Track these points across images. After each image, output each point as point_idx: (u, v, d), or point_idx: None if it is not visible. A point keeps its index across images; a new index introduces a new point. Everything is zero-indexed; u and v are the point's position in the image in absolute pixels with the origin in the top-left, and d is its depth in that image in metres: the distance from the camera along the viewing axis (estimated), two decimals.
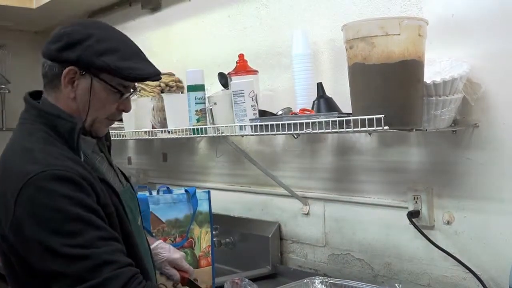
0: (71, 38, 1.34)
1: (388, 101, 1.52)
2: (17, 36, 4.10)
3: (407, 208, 1.86)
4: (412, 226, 1.82)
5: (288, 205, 2.34)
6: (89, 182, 1.28)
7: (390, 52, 1.50)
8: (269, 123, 1.85)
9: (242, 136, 2.16)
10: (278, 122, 1.81)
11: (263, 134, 1.92)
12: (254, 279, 1.91)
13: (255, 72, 2.15)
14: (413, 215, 1.82)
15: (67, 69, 1.34)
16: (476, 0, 1.68)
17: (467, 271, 1.72)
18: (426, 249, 1.83)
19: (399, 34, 1.49)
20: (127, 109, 1.45)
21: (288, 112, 2.06)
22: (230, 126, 2.07)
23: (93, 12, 3.60)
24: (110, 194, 1.36)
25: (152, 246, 1.63)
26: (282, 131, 1.80)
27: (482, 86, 1.66)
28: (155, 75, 1.40)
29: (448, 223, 1.79)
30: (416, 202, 1.84)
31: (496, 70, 1.64)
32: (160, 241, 1.71)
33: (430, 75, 1.60)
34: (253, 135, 2.02)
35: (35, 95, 1.47)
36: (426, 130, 1.64)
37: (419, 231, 1.80)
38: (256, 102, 2.04)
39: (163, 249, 1.67)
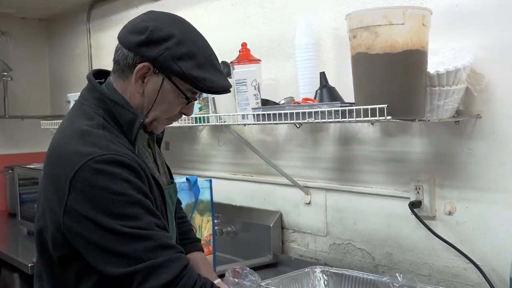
0: (153, 35, 1.31)
1: (391, 91, 1.52)
2: (19, 23, 4.10)
3: (409, 198, 1.86)
4: (413, 216, 1.82)
5: (290, 195, 2.34)
6: (144, 171, 1.29)
7: (393, 42, 1.49)
8: (271, 112, 1.85)
9: (244, 125, 2.16)
10: (280, 112, 1.81)
11: (266, 123, 1.92)
12: (255, 268, 1.92)
13: (257, 61, 2.15)
14: (414, 205, 1.82)
15: (141, 64, 1.33)
16: None
17: (468, 261, 1.72)
18: (428, 239, 1.83)
19: (403, 24, 1.48)
20: (189, 113, 1.45)
21: (291, 101, 2.06)
22: (232, 115, 2.07)
23: (96, 0, 3.59)
24: (156, 190, 1.36)
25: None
26: (285, 120, 1.80)
27: (485, 77, 1.65)
28: (225, 89, 1.39)
29: (450, 213, 1.79)
30: (418, 192, 1.84)
31: (499, 61, 1.63)
32: (218, 280, 1.58)
33: (434, 65, 1.60)
34: (255, 124, 2.02)
35: (98, 74, 1.45)
36: (429, 120, 1.64)
37: (421, 221, 1.80)
38: (259, 91, 2.04)
39: None
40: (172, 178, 1.62)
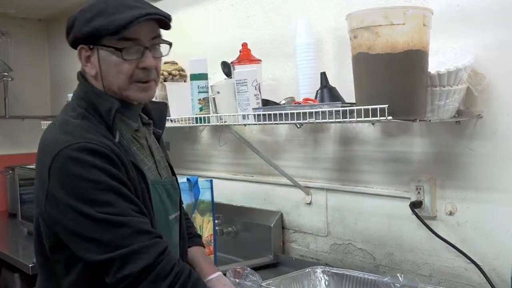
0: (69, 21, 1.41)
1: (392, 91, 1.51)
2: (20, 23, 4.10)
3: (409, 198, 1.86)
4: (414, 216, 1.82)
5: (290, 195, 2.34)
6: (119, 157, 1.30)
7: (394, 42, 1.49)
8: (272, 112, 1.84)
9: (245, 125, 2.16)
10: (281, 112, 1.81)
11: (266, 124, 1.92)
12: (256, 268, 1.92)
13: (258, 61, 2.15)
14: (415, 206, 1.82)
15: (78, 49, 1.41)
16: None
17: (469, 261, 1.72)
18: (428, 240, 1.83)
19: (403, 24, 1.48)
20: (146, 65, 1.37)
21: (291, 101, 2.06)
22: (233, 115, 2.07)
23: None
24: (139, 179, 1.37)
25: (208, 278, 1.58)
26: (285, 120, 1.80)
27: (486, 77, 1.65)
28: (138, 16, 1.32)
29: (451, 213, 1.78)
30: (419, 192, 1.84)
31: (500, 61, 1.63)
32: (219, 273, 1.61)
33: (435, 65, 1.60)
34: (256, 124, 2.02)
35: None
36: (430, 120, 1.64)
37: (422, 222, 1.80)
38: (259, 91, 2.04)
39: (222, 284, 1.58)
40: (174, 174, 1.60)
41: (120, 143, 1.36)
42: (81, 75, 1.45)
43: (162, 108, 1.63)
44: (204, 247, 1.74)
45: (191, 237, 1.69)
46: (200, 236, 1.77)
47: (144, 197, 1.37)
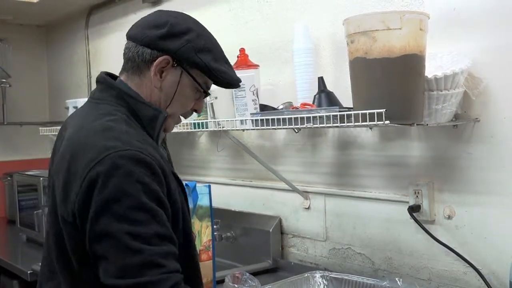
0: (174, 28, 1.32)
1: (389, 96, 1.52)
2: (18, 30, 4.11)
3: (408, 202, 1.86)
4: (413, 220, 1.82)
5: (289, 200, 2.34)
6: (164, 173, 1.24)
7: (391, 47, 1.49)
8: (270, 117, 1.85)
9: (243, 130, 2.16)
10: (279, 117, 1.81)
11: (264, 129, 1.92)
12: (254, 273, 1.92)
13: (256, 66, 2.15)
14: (414, 210, 1.82)
15: (162, 57, 1.32)
16: None
17: (467, 265, 1.72)
18: (427, 244, 1.83)
19: (400, 28, 1.49)
20: (199, 110, 1.43)
21: (289, 106, 2.06)
22: (231, 120, 2.07)
23: (94, 6, 3.60)
24: (179, 191, 1.32)
25: None
26: (283, 125, 1.80)
27: (483, 81, 1.66)
28: (238, 82, 1.42)
29: (449, 217, 1.79)
30: (417, 196, 1.84)
31: (497, 65, 1.64)
32: None
33: (432, 69, 1.60)
34: (254, 129, 2.02)
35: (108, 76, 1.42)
36: (427, 124, 1.64)
37: (420, 226, 1.80)
38: (257, 96, 2.04)
39: None
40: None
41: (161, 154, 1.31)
42: (109, 76, 1.39)
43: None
44: None
45: None
46: None
47: (183, 209, 1.32)
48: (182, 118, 1.45)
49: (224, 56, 1.40)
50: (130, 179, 1.16)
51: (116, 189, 1.16)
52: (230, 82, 1.38)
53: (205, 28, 1.40)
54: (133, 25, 1.40)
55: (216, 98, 2.17)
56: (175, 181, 1.31)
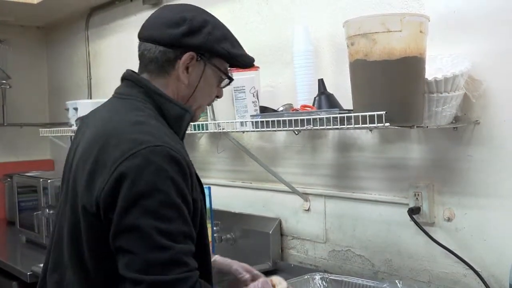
0: (193, 24, 1.34)
1: (389, 98, 1.52)
2: (18, 31, 4.11)
3: (407, 204, 1.86)
4: (412, 222, 1.82)
5: (289, 201, 2.34)
6: (190, 171, 1.25)
7: (391, 49, 1.49)
8: (270, 119, 1.85)
9: (243, 132, 2.16)
10: (279, 119, 1.81)
11: (264, 130, 1.92)
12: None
13: (256, 68, 2.15)
14: (413, 212, 1.82)
15: (187, 54, 1.34)
16: None
17: (467, 267, 1.72)
18: (427, 246, 1.83)
19: (400, 31, 1.49)
20: (221, 95, 1.49)
21: (289, 108, 2.06)
22: (231, 122, 2.07)
23: (94, 7, 3.60)
24: (198, 189, 1.33)
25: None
26: (283, 127, 1.80)
27: (483, 83, 1.66)
28: (253, 61, 1.48)
29: (449, 219, 1.79)
30: (417, 198, 1.84)
31: (497, 67, 1.64)
32: (217, 256, 1.64)
33: (432, 71, 1.60)
34: (254, 131, 2.02)
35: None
36: (427, 127, 1.64)
37: (420, 228, 1.80)
38: (257, 98, 2.04)
39: (225, 260, 1.63)
40: None
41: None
42: (135, 73, 1.40)
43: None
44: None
45: None
46: None
47: (202, 210, 1.34)
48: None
49: (236, 39, 1.44)
50: (162, 176, 1.17)
51: (149, 184, 1.16)
52: (249, 63, 1.45)
53: (214, 16, 1.43)
54: (145, 26, 1.40)
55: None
56: (196, 180, 1.32)
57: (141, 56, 1.39)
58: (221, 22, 1.42)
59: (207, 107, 2.02)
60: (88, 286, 1.27)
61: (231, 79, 1.46)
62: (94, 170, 1.22)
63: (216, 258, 1.60)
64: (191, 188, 1.25)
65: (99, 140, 1.26)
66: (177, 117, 1.35)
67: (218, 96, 1.47)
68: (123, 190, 1.16)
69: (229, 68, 1.46)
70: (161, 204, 1.16)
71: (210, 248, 1.46)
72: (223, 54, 1.37)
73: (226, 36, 1.39)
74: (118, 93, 1.40)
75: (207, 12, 1.43)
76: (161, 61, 1.35)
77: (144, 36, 1.39)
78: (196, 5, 1.43)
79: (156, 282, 1.14)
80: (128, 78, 1.40)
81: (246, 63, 1.44)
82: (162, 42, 1.34)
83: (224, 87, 1.47)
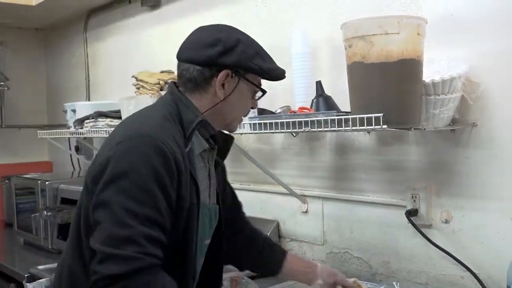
0: (227, 44, 1.44)
1: (387, 100, 1.52)
2: (16, 33, 4.11)
3: (405, 206, 1.86)
4: (410, 224, 1.82)
5: (286, 203, 2.34)
6: (179, 168, 1.33)
7: (389, 51, 1.50)
8: (268, 121, 1.85)
9: (241, 134, 2.16)
10: (277, 121, 1.82)
11: (262, 132, 1.92)
12: (253, 277, 1.92)
13: None
14: (411, 214, 1.83)
15: (223, 72, 1.44)
16: (476, 0, 1.68)
17: (465, 269, 1.72)
18: (424, 248, 1.83)
19: (398, 33, 1.49)
20: (256, 106, 1.60)
21: (287, 110, 2.06)
22: None
23: (93, 9, 3.61)
24: (192, 191, 1.40)
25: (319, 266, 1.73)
26: (281, 129, 1.80)
27: (480, 85, 1.66)
28: (284, 73, 1.55)
29: (446, 221, 1.79)
30: (415, 200, 1.84)
31: (495, 70, 1.64)
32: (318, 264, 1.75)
33: (429, 74, 1.60)
34: (252, 133, 2.02)
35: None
36: (425, 129, 1.64)
37: (417, 230, 1.80)
38: None
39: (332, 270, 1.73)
40: (218, 203, 1.62)
41: (188, 155, 1.40)
42: (176, 86, 1.51)
43: (229, 140, 1.65)
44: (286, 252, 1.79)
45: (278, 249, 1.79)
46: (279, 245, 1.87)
47: (192, 211, 1.40)
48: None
49: (267, 53, 1.52)
50: (144, 161, 1.28)
51: (130, 165, 1.28)
52: (280, 75, 1.52)
53: (245, 33, 1.52)
54: (182, 47, 1.51)
55: None
56: (191, 180, 1.39)
57: (180, 76, 1.49)
58: (252, 39, 1.50)
59: None
60: (86, 271, 1.34)
61: (264, 92, 1.54)
62: (100, 151, 1.40)
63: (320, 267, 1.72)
64: (177, 185, 1.33)
65: (115, 128, 1.46)
66: (189, 121, 1.42)
67: (253, 107, 1.58)
68: (107, 170, 1.30)
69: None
70: (136, 186, 1.26)
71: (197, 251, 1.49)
72: (256, 70, 1.46)
73: (258, 52, 1.47)
74: (158, 99, 1.58)
75: (239, 30, 1.51)
76: (198, 80, 1.46)
77: (182, 57, 1.49)
78: (229, 25, 1.54)
79: (111, 255, 1.22)
80: (169, 86, 1.55)
81: (277, 75, 1.51)
82: (199, 62, 1.45)
83: (258, 99, 1.56)
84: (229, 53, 1.43)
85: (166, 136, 1.34)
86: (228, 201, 1.73)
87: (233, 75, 1.45)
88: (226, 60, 1.43)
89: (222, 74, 1.44)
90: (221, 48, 1.43)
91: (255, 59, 1.46)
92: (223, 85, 1.46)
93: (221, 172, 1.68)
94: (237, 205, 1.81)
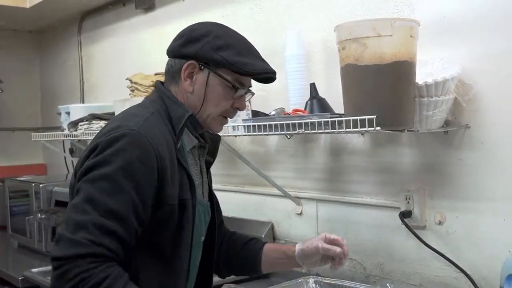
0: (192, 35, 1.43)
1: (380, 102, 1.53)
2: (10, 35, 4.10)
3: (399, 208, 1.87)
4: (404, 226, 1.82)
5: (281, 205, 2.34)
6: (162, 164, 1.32)
7: (382, 53, 1.50)
8: (262, 123, 1.85)
9: (235, 136, 2.16)
10: (271, 123, 1.82)
11: (256, 135, 1.93)
12: (247, 279, 1.92)
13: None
14: (405, 215, 1.83)
15: (187, 63, 1.42)
16: (468, 2, 1.69)
17: (458, 270, 1.73)
18: (418, 249, 1.84)
19: (391, 35, 1.50)
20: (241, 107, 1.50)
21: (281, 112, 2.07)
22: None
23: (87, 12, 3.60)
24: (185, 187, 1.39)
25: (298, 247, 1.63)
26: (275, 131, 1.81)
27: (473, 87, 1.67)
28: (268, 72, 1.46)
29: (440, 223, 1.79)
30: (408, 202, 1.84)
31: (487, 71, 1.65)
32: (298, 244, 1.65)
33: (422, 76, 1.61)
34: (246, 135, 2.03)
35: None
36: (418, 130, 1.65)
37: (411, 231, 1.80)
38: (249, 102, 2.04)
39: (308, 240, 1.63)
40: (211, 200, 1.63)
41: (179, 151, 1.40)
42: (161, 84, 1.51)
43: (217, 140, 1.65)
44: (264, 242, 1.74)
45: (255, 242, 1.73)
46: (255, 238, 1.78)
47: (186, 206, 1.39)
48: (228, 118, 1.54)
49: (252, 49, 1.46)
50: (119, 154, 1.28)
51: (103, 158, 1.29)
52: (258, 71, 1.43)
53: (230, 29, 1.49)
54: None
55: None
56: (184, 175, 1.39)
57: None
58: (232, 34, 1.46)
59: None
60: None
61: (236, 88, 1.45)
62: (86, 148, 1.38)
63: (298, 247, 1.62)
64: (160, 182, 1.32)
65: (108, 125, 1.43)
66: (178, 117, 1.41)
67: (238, 107, 1.49)
68: (86, 162, 1.32)
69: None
70: (101, 176, 1.27)
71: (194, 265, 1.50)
72: (220, 61, 1.40)
73: (230, 44, 1.42)
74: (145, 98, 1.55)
75: (224, 27, 1.49)
76: (172, 72, 1.47)
77: (166, 52, 1.50)
78: (220, 23, 1.51)
79: (62, 237, 1.23)
80: (155, 85, 1.54)
81: (251, 70, 1.42)
82: (170, 54, 1.47)
83: (240, 97, 1.47)
84: (192, 43, 1.42)
85: (151, 131, 1.33)
86: None
87: (202, 67, 1.42)
88: (187, 50, 1.42)
89: (186, 65, 1.43)
90: (185, 38, 1.43)
91: (222, 51, 1.40)
92: (191, 77, 1.44)
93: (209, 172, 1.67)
94: None
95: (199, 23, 1.51)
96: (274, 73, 1.48)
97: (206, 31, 1.43)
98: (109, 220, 1.24)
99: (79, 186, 1.30)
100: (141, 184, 1.29)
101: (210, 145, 1.60)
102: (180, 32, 1.48)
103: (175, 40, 1.47)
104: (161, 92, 1.47)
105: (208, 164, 1.62)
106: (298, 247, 1.62)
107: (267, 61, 1.49)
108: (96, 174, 1.28)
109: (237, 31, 1.50)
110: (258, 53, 1.48)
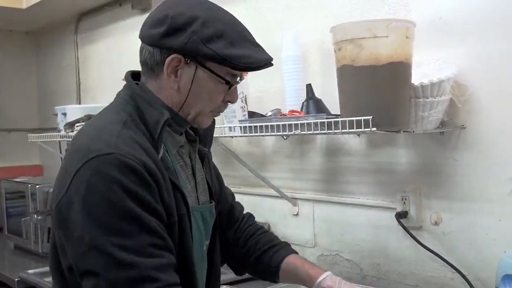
0: (175, 23, 1.19)
1: (376, 103, 1.53)
2: (6, 36, 4.09)
3: (395, 209, 1.87)
4: (400, 226, 1.83)
5: (277, 206, 2.34)
6: (155, 178, 1.15)
7: (378, 54, 1.51)
8: (258, 124, 1.86)
9: (232, 137, 2.17)
10: (267, 124, 1.82)
11: (253, 135, 1.93)
12: (243, 280, 1.92)
13: (245, 73, 2.16)
14: (401, 216, 1.83)
15: (170, 57, 1.21)
16: (464, 3, 1.69)
17: (454, 271, 1.73)
18: (414, 250, 1.84)
19: (387, 36, 1.50)
20: (233, 100, 1.32)
21: (277, 113, 2.07)
22: (219, 127, 2.08)
23: (84, 12, 3.60)
24: (179, 202, 1.23)
25: (318, 280, 1.43)
26: (271, 132, 1.81)
27: (469, 88, 1.68)
28: (267, 62, 1.27)
29: (436, 223, 1.80)
30: (404, 203, 1.85)
31: (483, 72, 1.65)
32: (329, 273, 1.46)
33: (418, 77, 1.61)
34: (242, 136, 2.03)
35: (136, 75, 1.33)
36: (414, 131, 1.65)
37: (407, 232, 1.81)
38: (246, 103, 2.05)
39: (334, 282, 1.44)
40: (212, 198, 1.46)
41: (163, 160, 1.22)
42: (131, 77, 1.31)
43: (210, 126, 1.41)
44: (296, 253, 1.56)
45: (282, 246, 1.54)
46: (288, 244, 1.58)
47: (183, 223, 1.24)
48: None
49: (245, 35, 1.26)
50: (114, 187, 1.10)
51: (100, 197, 1.09)
52: (256, 64, 1.25)
53: (219, 9, 1.27)
54: (143, 23, 1.28)
55: None
56: (177, 193, 1.24)
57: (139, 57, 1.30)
58: (220, 17, 1.24)
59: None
60: None
61: (230, 84, 1.27)
62: (59, 178, 1.19)
63: (326, 276, 1.45)
64: (159, 195, 1.17)
65: (70, 146, 1.24)
66: (155, 121, 1.22)
67: (230, 101, 1.31)
68: (76, 208, 1.11)
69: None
70: (117, 218, 1.09)
71: (201, 278, 1.37)
72: (211, 56, 1.19)
73: (220, 33, 1.20)
74: (116, 95, 1.33)
75: (208, 5, 1.26)
76: (150, 63, 1.25)
77: (139, 35, 1.28)
78: (204, 1, 1.28)
79: None
80: (125, 79, 1.32)
81: (248, 64, 1.23)
82: (148, 42, 1.24)
83: (229, 89, 1.28)
84: (176, 33, 1.19)
85: (129, 146, 1.14)
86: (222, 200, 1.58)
87: (188, 61, 1.21)
88: (172, 42, 1.19)
89: (169, 59, 1.21)
90: (166, 27, 1.19)
91: (212, 43, 1.19)
92: (176, 72, 1.23)
93: (207, 163, 1.48)
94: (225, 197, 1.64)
95: (174, 2, 1.25)
96: (271, 61, 1.29)
97: (190, 16, 1.19)
98: (159, 257, 1.11)
99: (90, 241, 1.08)
100: (151, 205, 1.14)
101: (201, 133, 1.41)
102: (156, 14, 1.24)
103: (151, 26, 1.23)
104: (133, 91, 1.26)
105: (203, 156, 1.44)
106: (318, 282, 1.43)
107: (253, 44, 1.32)
108: (104, 219, 1.09)
109: (227, 11, 1.31)
110: (252, 37, 1.29)
